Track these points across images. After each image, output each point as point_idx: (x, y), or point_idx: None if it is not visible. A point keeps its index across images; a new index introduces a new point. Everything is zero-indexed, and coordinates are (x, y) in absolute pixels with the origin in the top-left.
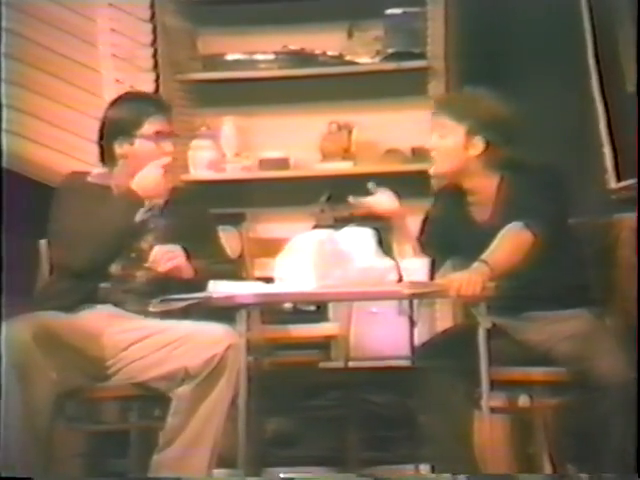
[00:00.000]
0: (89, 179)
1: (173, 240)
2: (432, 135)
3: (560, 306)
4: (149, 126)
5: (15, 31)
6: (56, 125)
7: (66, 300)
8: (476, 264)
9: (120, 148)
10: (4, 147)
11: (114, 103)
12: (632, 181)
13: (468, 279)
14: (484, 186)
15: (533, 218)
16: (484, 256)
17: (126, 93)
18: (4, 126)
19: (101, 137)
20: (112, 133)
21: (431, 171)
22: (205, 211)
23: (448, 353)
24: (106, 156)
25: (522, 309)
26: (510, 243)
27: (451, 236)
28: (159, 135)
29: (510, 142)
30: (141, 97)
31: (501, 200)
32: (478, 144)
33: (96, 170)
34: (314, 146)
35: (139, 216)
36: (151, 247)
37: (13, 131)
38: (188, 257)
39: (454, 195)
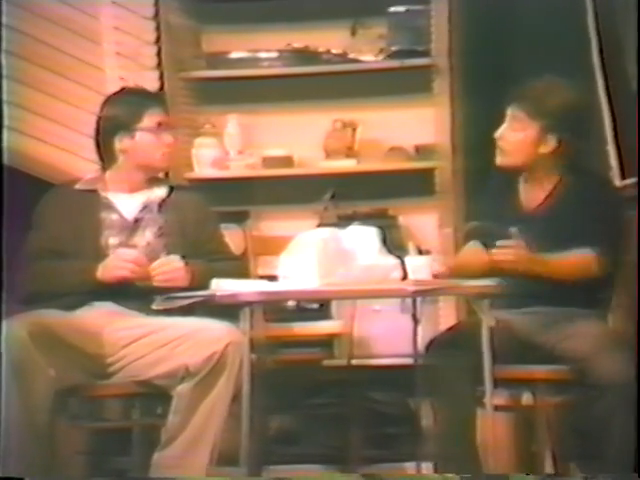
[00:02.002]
0: (77, 186)
1: (174, 237)
2: (504, 125)
3: (564, 304)
4: (149, 119)
5: (18, 28)
6: (59, 123)
7: (66, 297)
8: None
9: (120, 143)
10: (8, 144)
11: (110, 100)
12: (636, 179)
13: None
14: (545, 177)
15: (599, 245)
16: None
17: (122, 89)
18: (7, 123)
19: (98, 134)
20: (111, 129)
21: (498, 162)
22: (206, 207)
23: (452, 351)
24: (105, 153)
25: (526, 304)
26: (574, 260)
27: (498, 222)
28: (160, 127)
29: (582, 139)
30: (138, 91)
31: (555, 197)
32: (550, 142)
33: (89, 175)
34: (318, 144)
35: (134, 213)
36: (148, 244)
37: (16, 129)
38: (186, 264)
39: (507, 178)
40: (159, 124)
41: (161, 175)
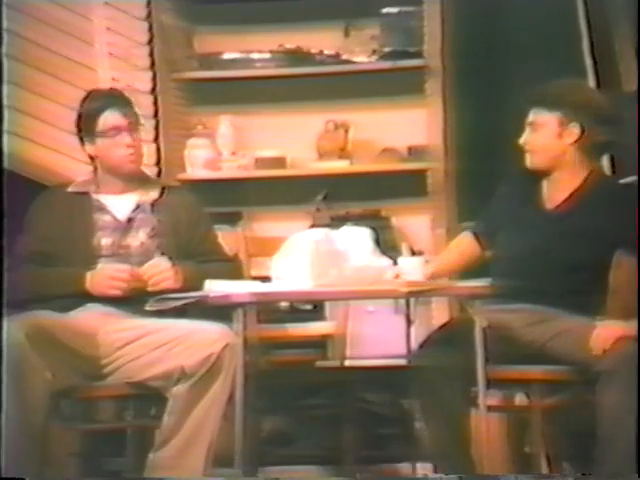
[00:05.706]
0: (70, 189)
1: (167, 237)
2: (526, 132)
3: (553, 304)
4: (103, 123)
5: (11, 30)
6: (53, 124)
7: (61, 298)
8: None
9: (90, 149)
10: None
11: (81, 104)
12: (629, 179)
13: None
14: (572, 173)
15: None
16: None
17: (88, 93)
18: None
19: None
20: (80, 136)
21: (528, 164)
22: (200, 208)
23: (445, 351)
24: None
25: (515, 302)
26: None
27: (514, 222)
28: (114, 130)
29: (607, 125)
30: (97, 94)
31: (583, 193)
32: (573, 130)
33: (81, 177)
34: (310, 145)
35: (127, 214)
36: (142, 244)
37: (10, 131)
38: (175, 267)
39: (528, 176)
40: (112, 128)
41: (152, 175)
